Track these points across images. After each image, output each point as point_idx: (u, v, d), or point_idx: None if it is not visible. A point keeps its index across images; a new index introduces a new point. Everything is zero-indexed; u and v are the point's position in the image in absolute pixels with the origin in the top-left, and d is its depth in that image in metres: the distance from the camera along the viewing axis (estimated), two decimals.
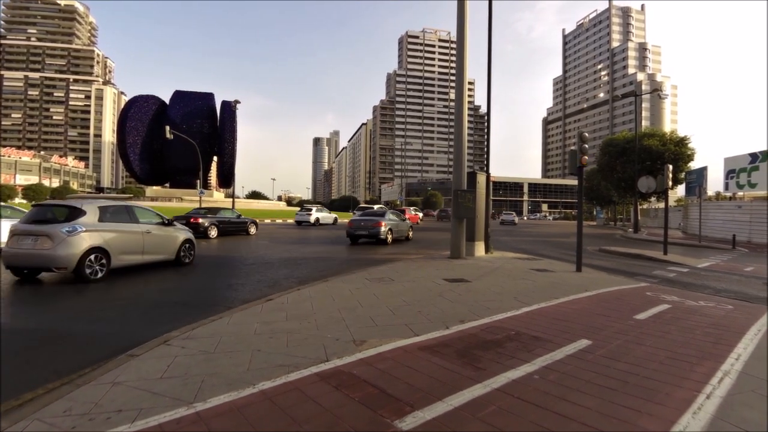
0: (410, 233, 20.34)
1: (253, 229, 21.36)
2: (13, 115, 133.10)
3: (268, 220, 36.59)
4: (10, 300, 6.25)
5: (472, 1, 11.82)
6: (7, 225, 9.44)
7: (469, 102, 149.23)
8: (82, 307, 5.92)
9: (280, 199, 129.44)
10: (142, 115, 51.73)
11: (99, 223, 7.87)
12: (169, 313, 5.59)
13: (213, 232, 18.33)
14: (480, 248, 12.46)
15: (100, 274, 7.61)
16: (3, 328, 4.69)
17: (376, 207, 31.53)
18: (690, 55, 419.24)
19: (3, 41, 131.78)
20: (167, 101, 54.59)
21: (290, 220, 36.87)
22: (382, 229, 16.97)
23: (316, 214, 33.04)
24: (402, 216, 20.72)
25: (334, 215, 36.37)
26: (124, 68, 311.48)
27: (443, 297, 6.32)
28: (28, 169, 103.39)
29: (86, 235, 7.46)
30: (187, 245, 10.07)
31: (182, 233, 10.01)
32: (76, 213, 7.66)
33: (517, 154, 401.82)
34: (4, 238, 8.27)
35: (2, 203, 12.74)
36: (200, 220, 17.96)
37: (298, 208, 42.12)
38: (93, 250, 7.51)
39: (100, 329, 4.83)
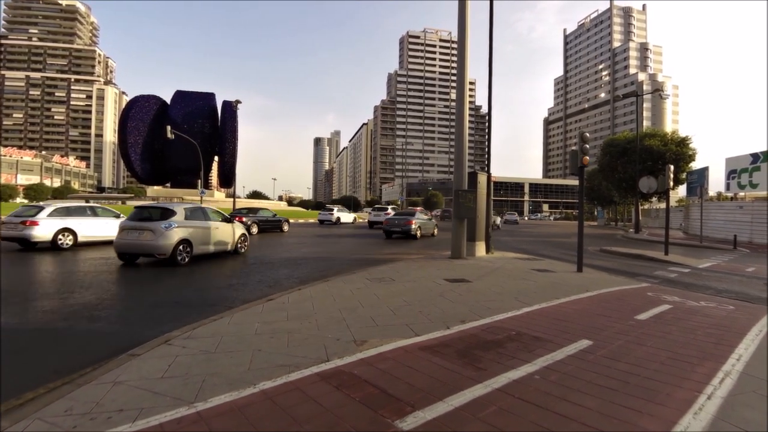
0: (435, 231, 23.09)
1: (286, 227, 24.28)
2: (14, 115, 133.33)
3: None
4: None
5: (473, 1, 11.83)
6: (116, 222, 13.32)
7: (470, 102, 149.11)
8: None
9: (280, 198, 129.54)
10: (143, 115, 51.72)
11: (185, 220, 10.06)
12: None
13: (254, 229, 20.99)
14: (481, 248, 12.45)
15: (186, 260, 9.86)
16: (3, 328, 4.69)
17: (389, 208, 34.22)
18: (691, 55, 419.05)
19: (4, 41, 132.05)
20: (168, 101, 54.57)
21: (302, 220, 40.64)
22: (413, 226, 20.02)
23: (337, 213, 35.47)
24: (429, 215, 24.69)
25: (353, 215, 39.03)
26: (125, 68, 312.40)
27: (444, 297, 6.32)
28: (30, 169, 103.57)
29: (178, 230, 9.69)
30: (242, 238, 12.44)
31: (239, 228, 12.40)
32: (169, 213, 9.87)
33: (517, 154, 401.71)
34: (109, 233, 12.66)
35: (96, 204, 15.60)
36: (244, 219, 20.30)
37: (307, 210, 45.06)
38: (182, 241, 9.74)
39: (101, 329, 4.83)
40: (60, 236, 12.38)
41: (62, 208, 13.01)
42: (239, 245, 12.20)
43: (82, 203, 15.44)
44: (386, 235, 20.81)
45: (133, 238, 9.48)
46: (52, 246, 12.22)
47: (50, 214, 12.44)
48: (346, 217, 36.32)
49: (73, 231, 12.76)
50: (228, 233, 11.71)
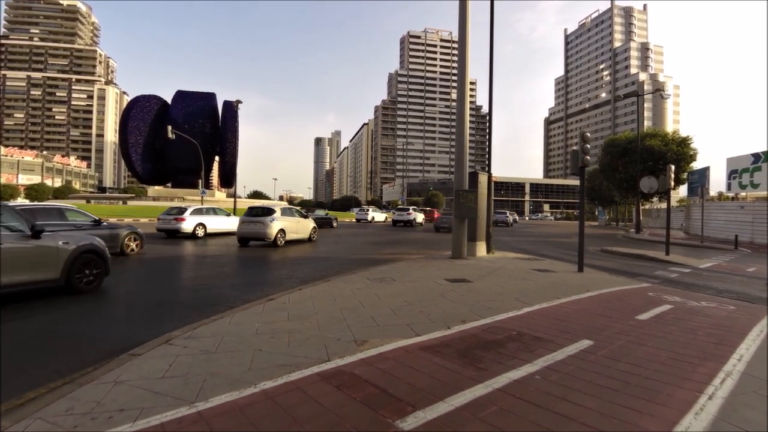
0: None
1: (335, 224, 30.89)
2: (15, 115, 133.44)
3: None
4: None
5: (473, 1, 11.83)
6: (228, 219, 19.63)
7: (471, 102, 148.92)
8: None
9: (281, 198, 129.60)
10: (144, 115, 51.75)
11: (281, 216, 14.96)
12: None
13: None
14: (481, 248, 12.45)
15: (283, 243, 14.90)
16: (4, 328, 4.70)
17: (411, 209, 38.37)
18: (692, 55, 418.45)
19: (5, 41, 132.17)
20: (169, 101, 54.62)
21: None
22: None
23: (372, 213, 43.36)
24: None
25: (385, 214, 46.23)
26: (126, 68, 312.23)
27: (445, 297, 6.32)
28: (31, 169, 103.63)
29: (278, 222, 14.55)
30: (314, 230, 17.52)
31: (311, 222, 17.59)
32: (271, 211, 14.80)
33: (518, 154, 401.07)
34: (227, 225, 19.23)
35: (214, 206, 20.44)
36: None
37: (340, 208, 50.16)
38: (280, 230, 14.65)
39: (102, 328, 4.84)
40: (197, 228, 17.68)
41: (197, 209, 18.38)
42: (312, 235, 17.28)
43: (209, 206, 20.33)
44: (435, 229, 27.25)
45: (249, 228, 14.53)
46: (192, 235, 17.46)
47: (191, 213, 17.62)
48: (380, 216, 43.56)
49: (205, 225, 18.07)
50: (306, 226, 16.78)
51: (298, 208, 17.41)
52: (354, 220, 43.52)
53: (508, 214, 43.82)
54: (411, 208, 39.29)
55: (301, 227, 16.31)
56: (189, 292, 7.10)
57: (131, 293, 7.06)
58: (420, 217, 37.53)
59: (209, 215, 18.68)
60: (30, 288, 5.75)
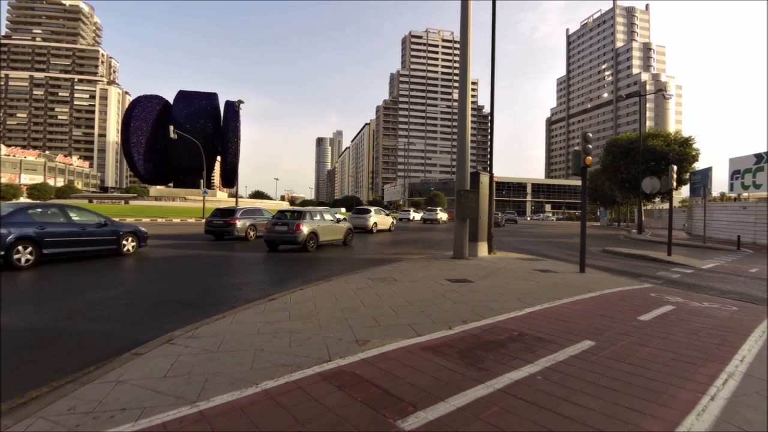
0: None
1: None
2: (18, 115, 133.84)
3: None
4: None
5: (475, 1, 11.82)
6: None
7: (473, 102, 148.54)
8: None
9: (283, 198, 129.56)
10: (146, 115, 51.86)
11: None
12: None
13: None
14: (483, 248, 12.43)
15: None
16: (4, 327, 4.72)
17: (438, 209, 46.07)
18: (695, 55, 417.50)
19: (8, 41, 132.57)
20: (171, 101, 54.72)
21: None
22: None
23: (413, 213, 47.97)
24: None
25: (419, 214, 49.30)
26: (128, 68, 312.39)
27: (446, 297, 6.32)
28: (33, 169, 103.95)
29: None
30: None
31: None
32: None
33: (520, 154, 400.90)
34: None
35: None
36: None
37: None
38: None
39: (104, 328, 4.85)
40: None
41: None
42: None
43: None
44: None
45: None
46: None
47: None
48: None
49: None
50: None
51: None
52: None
53: (516, 214, 55.17)
54: (438, 209, 47.15)
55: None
56: (198, 293, 7.11)
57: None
58: (445, 216, 45.51)
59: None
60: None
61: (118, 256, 10.90)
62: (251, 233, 17.38)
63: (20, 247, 8.55)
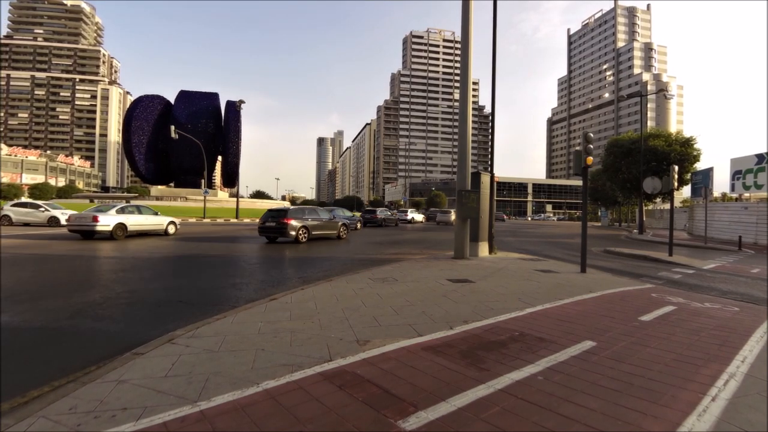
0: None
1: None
2: (19, 115, 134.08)
3: None
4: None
5: (476, 1, 11.82)
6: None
7: (474, 102, 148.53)
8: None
9: (284, 198, 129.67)
10: (147, 115, 51.94)
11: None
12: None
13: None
14: (484, 248, 12.43)
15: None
16: (5, 327, 4.73)
17: (452, 211, 42.75)
18: (696, 55, 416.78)
19: (10, 41, 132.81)
20: (172, 101, 54.83)
21: None
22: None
23: (413, 214, 44.97)
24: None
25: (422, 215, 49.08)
26: (129, 68, 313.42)
27: (447, 297, 6.32)
28: (35, 168, 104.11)
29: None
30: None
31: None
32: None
33: (521, 154, 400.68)
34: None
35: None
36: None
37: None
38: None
39: (105, 327, 4.85)
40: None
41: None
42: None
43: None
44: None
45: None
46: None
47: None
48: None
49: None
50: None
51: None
52: None
53: (452, 213, 53.58)
54: (452, 210, 46.10)
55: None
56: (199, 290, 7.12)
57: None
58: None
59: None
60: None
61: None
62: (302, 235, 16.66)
63: None
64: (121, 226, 16.08)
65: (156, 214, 18.55)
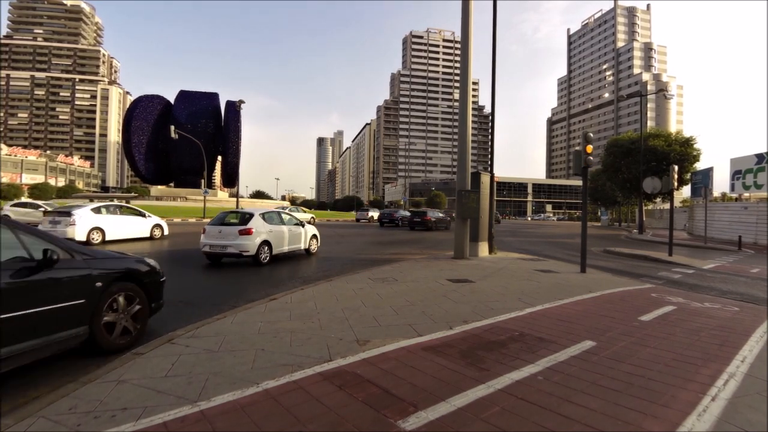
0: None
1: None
2: (19, 115, 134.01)
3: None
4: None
5: (476, 1, 11.82)
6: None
7: (473, 102, 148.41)
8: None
9: (284, 198, 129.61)
10: (147, 115, 51.87)
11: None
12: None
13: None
14: (484, 248, 12.43)
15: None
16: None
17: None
18: (696, 55, 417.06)
19: (9, 41, 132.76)
20: (172, 101, 54.76)
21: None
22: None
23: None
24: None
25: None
26: (129, 68, 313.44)
27: (447, 297, 6.32)
28: (34, 168, 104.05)
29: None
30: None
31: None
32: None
33: (521, 154, 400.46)
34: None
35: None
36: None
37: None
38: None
39: None
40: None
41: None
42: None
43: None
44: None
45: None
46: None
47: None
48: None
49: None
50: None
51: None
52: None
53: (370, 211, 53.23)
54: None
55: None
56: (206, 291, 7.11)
57: None
58: None
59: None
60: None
61: None
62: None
63: None
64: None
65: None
